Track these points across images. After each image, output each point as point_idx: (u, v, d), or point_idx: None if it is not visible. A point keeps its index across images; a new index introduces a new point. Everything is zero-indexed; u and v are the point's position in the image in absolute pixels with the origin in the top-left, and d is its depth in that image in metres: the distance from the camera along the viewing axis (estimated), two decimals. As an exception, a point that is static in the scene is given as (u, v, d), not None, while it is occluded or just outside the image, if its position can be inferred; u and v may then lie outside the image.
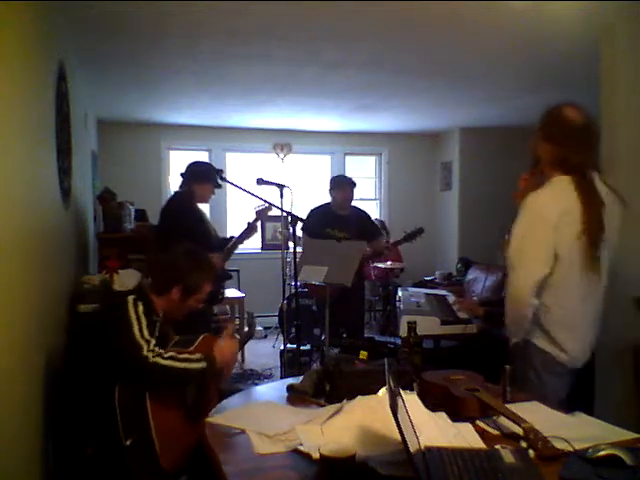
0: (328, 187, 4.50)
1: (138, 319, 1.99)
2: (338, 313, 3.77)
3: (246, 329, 2.62)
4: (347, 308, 4.13)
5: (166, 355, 1.92)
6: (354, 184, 4.48)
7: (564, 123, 2.07)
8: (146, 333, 1.97)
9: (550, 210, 1.98)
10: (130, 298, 2.06)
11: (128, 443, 1.84)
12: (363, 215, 4.59)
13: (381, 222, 7.14)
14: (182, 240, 3.36)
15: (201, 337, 2.20)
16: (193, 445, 1.92)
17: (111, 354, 1.95)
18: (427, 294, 4.16)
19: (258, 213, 3.72)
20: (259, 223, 3.77)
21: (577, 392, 2.19)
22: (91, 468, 1.97)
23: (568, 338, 2.06)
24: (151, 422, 1.85)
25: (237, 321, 5.70)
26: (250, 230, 3.69)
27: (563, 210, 1.98)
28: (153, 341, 1.95)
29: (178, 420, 1.97)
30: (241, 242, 3.69)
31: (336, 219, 4.33)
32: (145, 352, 1.90)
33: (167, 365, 1.89)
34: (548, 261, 1.99)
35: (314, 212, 4.53)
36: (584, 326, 2.11)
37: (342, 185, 4.44)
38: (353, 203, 4.56)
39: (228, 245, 3.64)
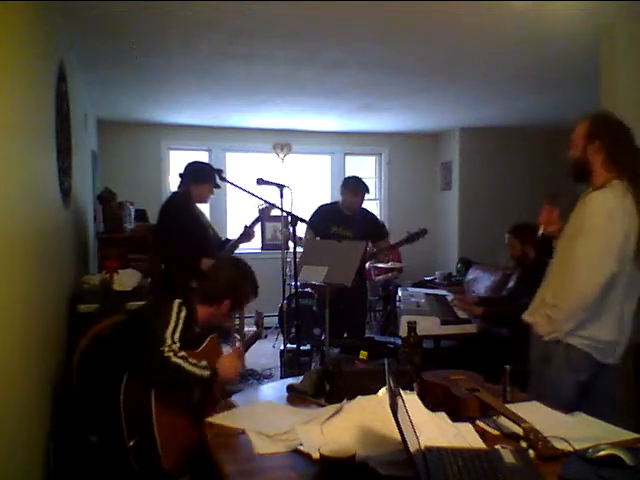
0: (341, 185, 4.45)
1: (177, 322, 2.02)
2: (340, 313, 3.77)
3: (250, 329, 2.62)
4: (349, 308, 4.13)
5: (179, 354, 1.94)
6: (367, 190, 4.43)
7: (620, 125, 2.17)
8: (177, 336, 1.99)
9: (618, 211, 2.07)
10: (176, 302, 2.08)
11: (131, 444, 1.85)
12: (369, 216, 4.57)
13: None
14: (180, 240, 3.38)
15: (209, 338, 2.21)
16: (194, 446, 1.92)
17: (132, 340, 1.98)
18: (427, 294, 4.16)
19: (261, 212, 3.72)
20: (257, 227, 3.77)
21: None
22: (93, 461, 1.98)
23: (606, 333, 2.12)
24: (155, 423, 1.85)
25: (237, 321, 5.69)
26: (246, 235, 3.69)
27: (625, 212, 2.07)
28: (178, 344, 1.97)
29: (181, 421, 1.97)
30: (236, 247, 3.69)
31: (342, 218, 4.34)
32: (163, 347, 1.93)
33: (177, 363, 1.91)
34: (618, 260, 2.06)
35: (322, 209, 4.53)
36: (622, 323, 2.16)
37: (355, 190, 4.34)
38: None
39: (225, 248, 3.65)
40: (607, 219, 2.07)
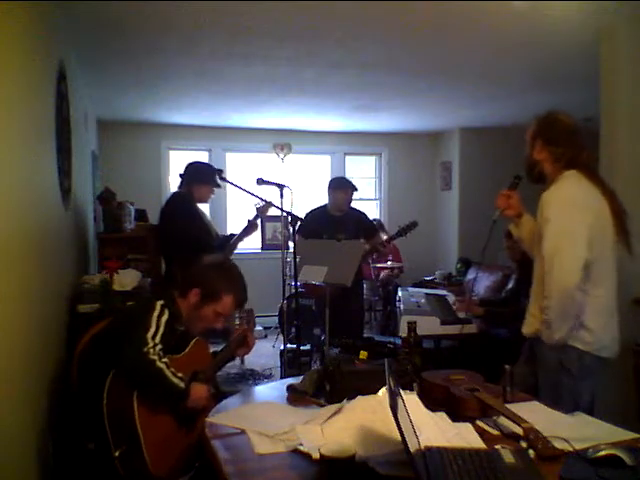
0: (328, 187, 4.44)
1: (157, 325, 2.00)
2: (337, 312, 3.77)
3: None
4: (346, 308, 4.12)
5: (163, 360, 1.92)
6: (355, 188, 4.46)
7: (564, 125, 2.24)
8: (157, 339, 1.97)
9: (578, 196, 2.11)
10: (158, 304, 2.06)
11: (117, 454, 1.83)
12: (359, 215, 4.57)
13: (379, 221, 7.13)
14: (182, 240, 3.38)
15: (193, 341, 2.19)
16: (186, 451, 1.91)
17: (114, 342, 1.96)
18: (427, 294, 4.16)
19: (258, 210, 3.73)
20: (259, 221, 3.77)
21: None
22: (90, 467, 1.97)
23: (600, 326, 2.13)
24: (140, 432, 1.83)
25: (237, 321, 5.69)
26: (251, 227, 3.70)
27: (586, 196, 2.11)
28: (159, 346, 1.96)
29: (169, 428, 1.95)
30: (241, 240, 3.70)
31: (333, 222, 4.30)
32: (147, 349, 1.91)
33: (160, 367, 1.89)
34: (589, 245, 2.06)
35: (310, 215, 4.47)
36: (613, 314, 2.18)
37: (344, 187, 4.38)
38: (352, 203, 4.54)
39: (230, 243, 3.65)
40: (563, 208, 2.09)
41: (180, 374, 1.94)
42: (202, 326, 2.22)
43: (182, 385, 1.93)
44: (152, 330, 1.97)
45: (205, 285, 2.17)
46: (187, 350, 2.13)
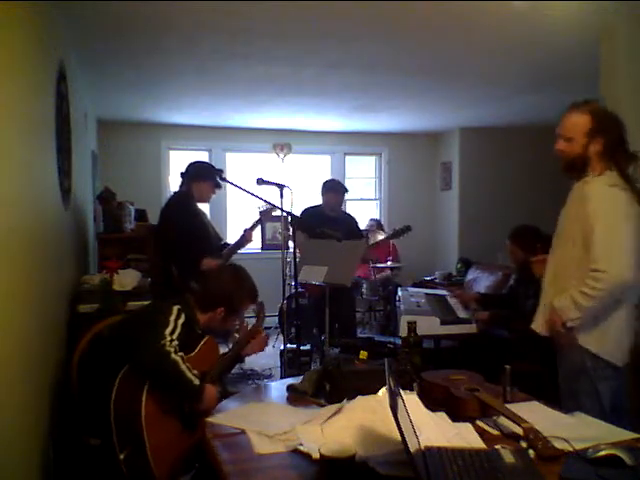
0: (322, 187, 4.65)
1: (175, 325, 2.04)
2: (330, 311, 3.77)
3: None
4: (338, 306, 4.12)
5: (179, 353, 1.95)
6: (346, 190, 4.71)
7: (617, 120, 2.16)
8: (175, 336, 2.01)
9: (629, 208, 2.06)
10: (175, 308, 2.11)
11: (122, 457, 1.84)
12: (351, 220, 4.71)
13: (378, 221, 7.13)
14: (181, 240, 3.38)
15: (204, 340, 2.21)
16: (188, 452, 1.91)
17: (129, 338, 1.99)
18: (427, 294, 4.16)
19: (262, 214, 3.72)
20: (257, 230, 3.76)
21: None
22: (94, 463, 1.98)
23: (620, 336, 2.13)
24: (145, 436, 1.83)
25: (236, 321, 5.68)
26: (244, 239, 3.68)
27: (626, 196, 2.07)
28: (176, 342, 1.99)
29: (173, 430, 1.95)
30: (234, 251, 3.67)
31: (329, 220, 4.37)
32: (163, 342, 1.94)
33: (175, 360, 1.92)
34: (635, 258, 2.02)
35: (307, 211, 4.63)
36: (631, 322, 2.17)
37: (336, 189, 4.60)
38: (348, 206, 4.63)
39: (222, 253, 3.64)
40: (616, 216, 2.04)
41: (195, 371, 1.96)
42: (222, 332, 2.41)
43: (197, 382, 1.94)
44: (170, 327, 2.02)
45: (229, 303, 2.30)
46: (197, 350, 2.15)
